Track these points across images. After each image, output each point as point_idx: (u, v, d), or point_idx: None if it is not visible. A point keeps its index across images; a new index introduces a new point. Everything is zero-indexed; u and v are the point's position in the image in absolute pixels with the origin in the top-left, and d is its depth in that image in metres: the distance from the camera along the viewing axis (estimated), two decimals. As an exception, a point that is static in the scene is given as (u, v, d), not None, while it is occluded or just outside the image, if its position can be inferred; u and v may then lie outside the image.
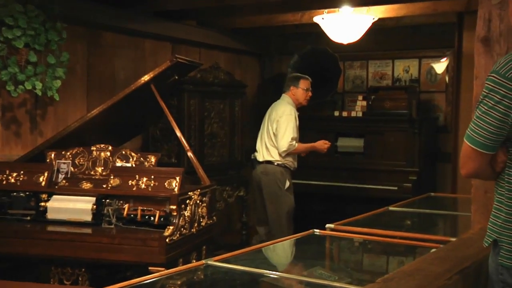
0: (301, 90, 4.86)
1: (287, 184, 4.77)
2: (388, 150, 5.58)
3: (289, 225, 4.78)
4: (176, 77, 4.02)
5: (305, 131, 5.26)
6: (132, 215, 3.34)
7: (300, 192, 5.37)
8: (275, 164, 4.76)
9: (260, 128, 4.98)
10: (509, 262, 1.68)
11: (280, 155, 4.74)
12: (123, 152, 3.70)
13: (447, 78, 5.94)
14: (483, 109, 1.66)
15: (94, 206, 3.37)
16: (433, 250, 2.41)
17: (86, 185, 3.55)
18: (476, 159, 1.70)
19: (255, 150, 4.97)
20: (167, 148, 5.11)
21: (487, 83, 1.67)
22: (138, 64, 5.15)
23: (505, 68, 1.63)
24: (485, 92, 1.67)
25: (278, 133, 4.71)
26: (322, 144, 4.91)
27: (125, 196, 3.39)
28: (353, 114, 5.85)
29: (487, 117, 1.65)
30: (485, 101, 1.66)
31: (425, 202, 4.25)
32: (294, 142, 4.70)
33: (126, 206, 3.36)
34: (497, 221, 1.72)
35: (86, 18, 4.57)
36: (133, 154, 3.68)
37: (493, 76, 1.65)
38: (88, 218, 3.37)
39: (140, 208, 3.33)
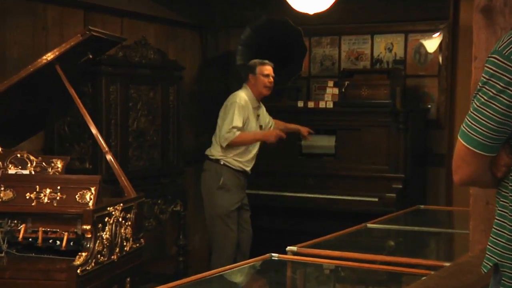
0: (260, 76, 5.21)
1: (221, 181, 5.14)
2: (365, 151, 5.66)
3: (224, 231, 5.17)
4: (91, 56, 3.98)
5: (260, 127, 5.34)
6: (30, 239, 3.29)
7: (253, 206, 5.39)
8: (210, 158, 5.21)
9: None
10: (513, 292, 1.71)
11: (221, 149, 5.14)
12: (18, 155, 3.64)
13: (440, 59, 6.07)
14: (482, 100, 1.69)
15: (-22, 228, 3.30)
16: (423, 278, 2.46)
17: (-33, 200, 3.47)
18: (472, 162, 1.73)
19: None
20: (78, 150, 5.04)
21: (487, 67, 1.69)
22: (38, 38, 5.06)
23: (510, 47, 1.66)
24: (484, 78, 1.69)
25: (220, 122, 5.16)
26: (273, 133, 5.22)
27: (20, 213, 3.33)
28: (322, 104, 5.90)
29: (487, 109, 1.68)
30: (484, 90, 1.69)
31: (413, 217, 4.35)
32: (234, 130, 5.03)
33: (22, 227, 3.30)
34: (499, 241, 1.74)
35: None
36: (32, 157, 3.63)
37: (494, 58, 1.68)
38: (-30, 244, 3.30)
39: (41, 229, 3.28)
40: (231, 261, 4.63)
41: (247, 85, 5.25)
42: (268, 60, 5.28)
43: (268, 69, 5.25)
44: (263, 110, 5.40)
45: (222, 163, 5.16)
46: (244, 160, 5.21)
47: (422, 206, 4.61)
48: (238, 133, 5.03)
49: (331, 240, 3.38)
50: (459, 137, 1.75)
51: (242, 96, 5.14)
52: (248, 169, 5.24)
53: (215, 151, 5.19)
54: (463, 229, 3.15)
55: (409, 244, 3.71)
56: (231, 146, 5.08)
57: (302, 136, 5.55)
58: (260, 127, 5.35)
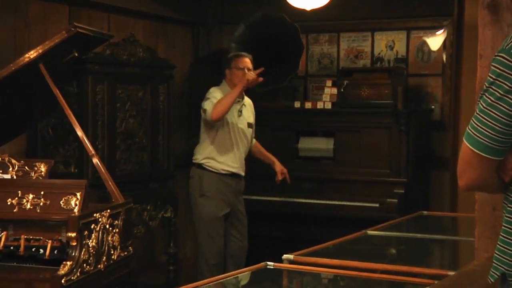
0: (234, 70, 5.16)
1: (202, 188, 5.13)
2: (366, 154, 5.66)
3: (206, 241, 5.14)
4: (76, 54, 3.98)
5: (255, 128, 5.32)
6: (12, 247, 3.28)
7: (246, 211, 5.38)
8: (194, 163, 5.24)
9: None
10: (522, 303, 1.72)
11: (203, 150, 5.16)
12: None
13: (444, 57, 6.08)
14: (489, 101, 1.69)
15: (-44, 236, 3.29)
16: (427, 287, 2.47)
17: None
18: (478, 166, 1.73)
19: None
20: (63, 153, 5.04)
21: (493, 66, 1.69)
22: (20, 35, 5.05)
23: (518, 46, 1.67)
24: (491, 78, 1.70)
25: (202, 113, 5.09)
26: (245, 79, 5.03)
27: (1, 220, 3.32)
28: (320, 105, 5.91)
29: (494, 111, 1.68)
30: (491, 90, 1.69)
31: (416, 223, 4.35)
32: (210, 99, 4.99)
33: (3, 234, 3.29)
34: (507, 249, 1.74)
35: None
36: (13, 161, 3.63)
37: (501, 57, 1.68)
38: None
39: (24, 237, 3.27)
40: (216, 273, 4.55)
41: (224, 81, 5.22)
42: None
43: (243, 61, 5.18)
44: (247, 108, 5.30)
45: (204, 167, 5.14)
46: (229, 161, 5.12)
47: (425, 212, 4.61)
48: (215, 100, 4.95)
49: (330, 247, 3.38)
50: (464, 140, 1.75)
51: (215, 90, 5.09)
52: (235, 170, 5.15)
53: (198, 154, 5.18)
54: (468, 236, 3.16)
55: (411, 252, 3.71)
56: (219, 115, 4.92)
57: (276, 174, 5.38)
58: (249, 124, 5.26)
